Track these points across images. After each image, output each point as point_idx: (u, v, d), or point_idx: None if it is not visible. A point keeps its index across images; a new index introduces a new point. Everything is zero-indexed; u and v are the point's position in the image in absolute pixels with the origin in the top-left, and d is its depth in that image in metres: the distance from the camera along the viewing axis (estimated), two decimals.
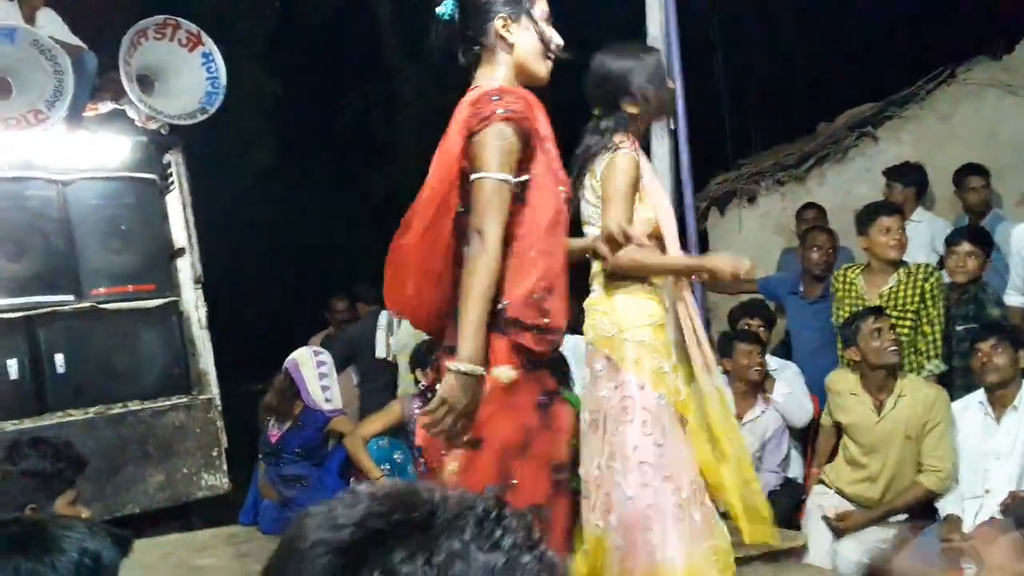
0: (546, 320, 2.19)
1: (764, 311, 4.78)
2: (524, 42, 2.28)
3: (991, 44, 5.95)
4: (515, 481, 2.12)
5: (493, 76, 2.27)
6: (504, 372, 2.13)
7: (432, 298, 2.25)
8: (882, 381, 3.79)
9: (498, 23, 2.26)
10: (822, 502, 3.90)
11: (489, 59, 2.29)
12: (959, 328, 4.10)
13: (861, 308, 4.15)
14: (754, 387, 4.29)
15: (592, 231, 2.90)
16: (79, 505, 2.42)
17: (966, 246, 4.15)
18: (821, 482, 3.98)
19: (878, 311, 3.86)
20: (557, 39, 2.34)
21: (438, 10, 2.30)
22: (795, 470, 4.42)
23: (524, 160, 2.18)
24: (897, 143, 5.98)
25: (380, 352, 5.29)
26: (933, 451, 3.69)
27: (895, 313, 4.09)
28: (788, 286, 5.00)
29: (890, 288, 4.12)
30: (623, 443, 2.74)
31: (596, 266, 2.90)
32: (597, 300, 2.88)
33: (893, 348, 3.76)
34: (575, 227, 2.77)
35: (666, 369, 2.81)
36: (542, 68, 2.33)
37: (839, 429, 4.00)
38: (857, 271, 4.26)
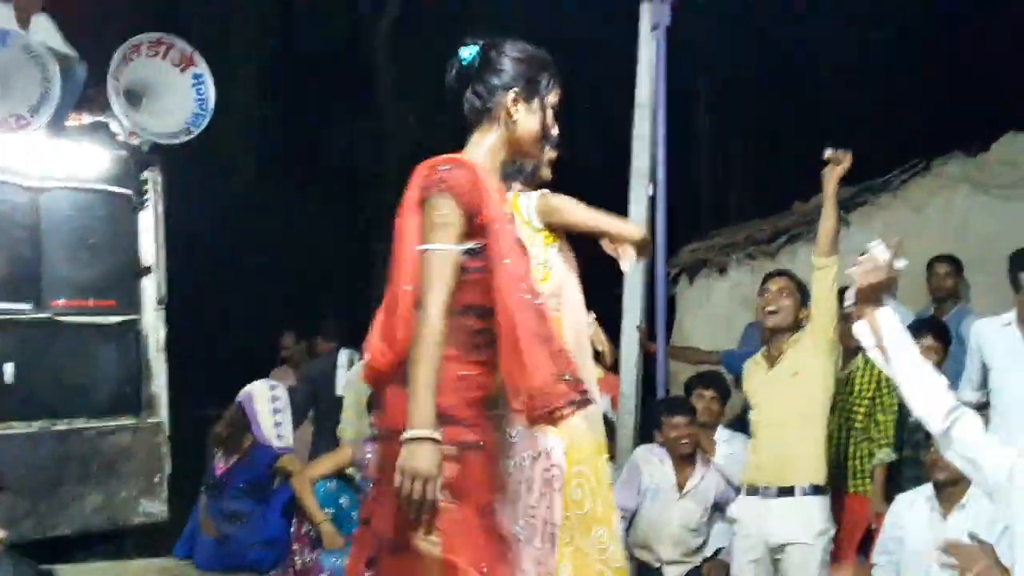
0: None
1: (719, 382, 4.78)
2: (526, 124, 2.27)
3: (967, 141, 6.10)
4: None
5: (483, 142, 2.28)
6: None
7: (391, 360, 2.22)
8: (782, 343, 3.78)
9: (509, 96, 2.25)
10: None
11: (488, 124, 2.27)
12: (912, 419, 4.13)
13: None
14: (688, 457, 4.30)
15: None
16: None
17: (929, 340, 4.17)
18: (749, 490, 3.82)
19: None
20: (555, 132, 2.35)
21: (462, 52, 2.29)
22: None
23: (472, 233, 2.16)
24: (868, 229, 6.07)
25: (340, 390, 5.25)
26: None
27: (851, 399, 4.11)
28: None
29: (848, 373, 4.15)
30: (551, 514, 2.71)
31: None
32: None
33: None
34: None
35: (595, 430, 2.81)
36: (534, 151, 2.35)
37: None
38: None
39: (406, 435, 2.01)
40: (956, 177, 5.97)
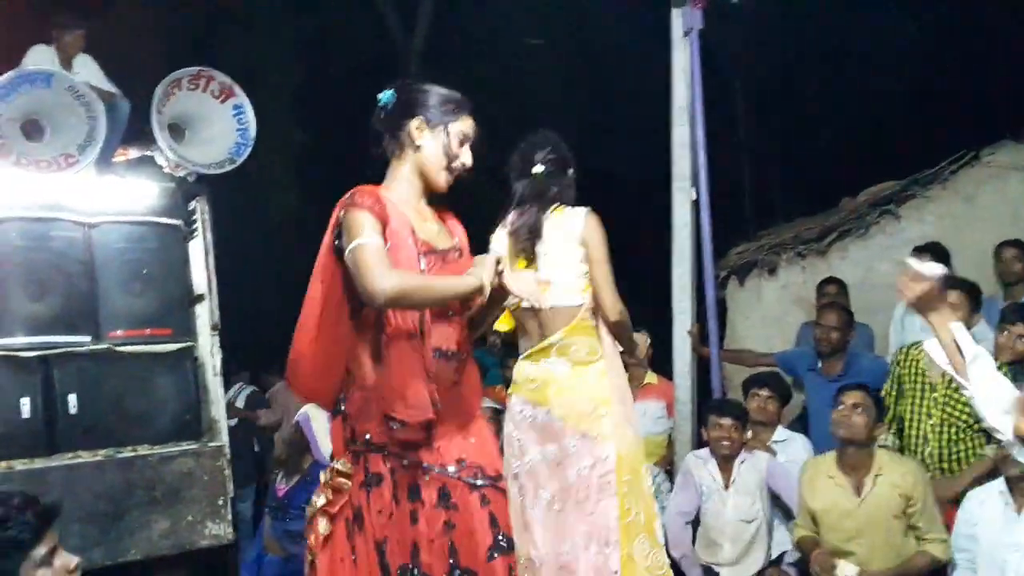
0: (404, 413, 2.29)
1: (776, 382, 4.70)
2: (429, 149, 2.43)
3: (1016, 127, 5.99)
4: (355, 556, 2.30)
5: (397, 170, 2.46)
6: (340, 464, 2.36)
7: (331, 382, 2.40)
8: (858, 459, 3.74)
9: (414, 123, 2.42)
10: None
11: (399, 154, 2.45)
12: None
13: (923, 384, 4.09)
14: (730, 458, 4.25)
15: (554, 276, 2.95)
16: (62, 555, 2.25)
17: (1020, 327, 4.06)
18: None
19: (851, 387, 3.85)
20: (464, 160, 2.47)
21: (380, 96, 2.49)
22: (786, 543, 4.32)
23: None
24: (919, 222, 5.99)
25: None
26: (930, 525, 3.68)
27: (954, 395, 4.01)
28: (807, 362, 4.93)
29: None
30: (606, 519, 2.71)
31: (557, 336, 2.89)
32: (565, 376, 2.86)
33: (849, 422, 3.73)
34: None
35: (638, 439, 2.82)
36: (440, 177, 2.46)
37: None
38: (920, 349, 4.19)
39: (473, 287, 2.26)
40: (1007, 165, 5.87)
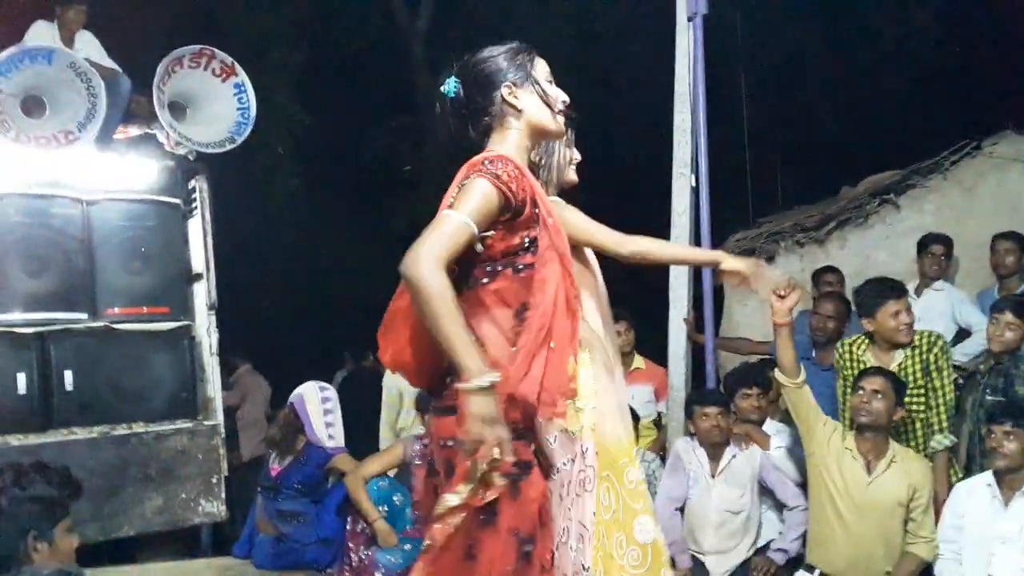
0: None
1: (762, 378, 4.66)
2: (531, 105, 2.34)
3: (1018, 118, 5.96)
4: (476, 552, 2.13)
5: (505, 142, 2.33)
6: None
7: (428, 357, 2.25)
8: (875, 442, 3.78)
9: (504, 91, 2.32)
10: None
11: (500, 127, 2.34)
12: (988, 398, 4.02)
13: None
14: (720, 444, 4.26)
15: None
16: (73, 532, 2.44)
17: (1008, 316, 4.05)
18: (808, 568, 3.88)
19: (880, 371, 3.86)
20: (562, 96, 2.40)
21: (442, 88, 2.36)
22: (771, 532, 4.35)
23: (510, 228, 2.19)
24: (919, 212, 5.97)
25: None
26: (923, 522, 3.74)
27: (909, 390, 4.01)
28: (802, 351, 4.91)
29: (899, 364, 4.06)
30: (582, 515, 2.71)
31: None
32: None
33: (869, 408, 3.77)
34: None
35: (620, 433, 2.82)
36: (553, 124, 2.38)
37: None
38: (863, 345, 4.18)
39: (467, 385, 2.01)
40: (1008, 156, 5.84)
